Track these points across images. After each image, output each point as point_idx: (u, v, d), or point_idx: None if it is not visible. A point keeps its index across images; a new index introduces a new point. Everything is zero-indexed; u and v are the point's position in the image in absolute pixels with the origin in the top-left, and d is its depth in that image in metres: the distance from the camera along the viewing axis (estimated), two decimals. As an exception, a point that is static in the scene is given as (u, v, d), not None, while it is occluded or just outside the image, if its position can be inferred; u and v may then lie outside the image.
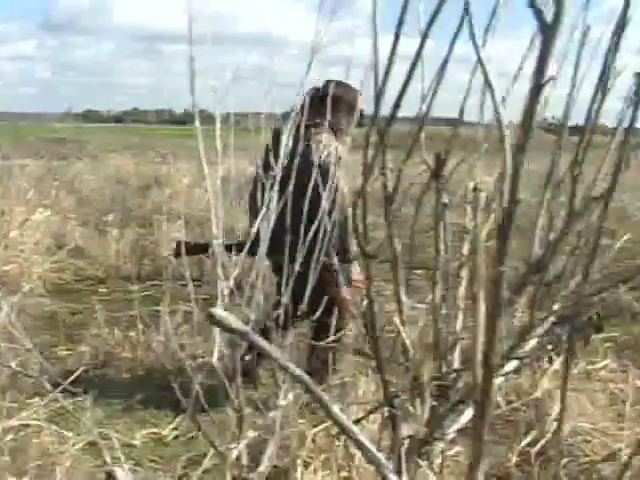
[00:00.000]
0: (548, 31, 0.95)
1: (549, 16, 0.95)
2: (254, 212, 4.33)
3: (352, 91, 4.36)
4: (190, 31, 2.27)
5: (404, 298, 1.96)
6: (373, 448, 1.42)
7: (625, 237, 4.25)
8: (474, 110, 2.17)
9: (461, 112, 2.04)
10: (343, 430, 1.44)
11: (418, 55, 1.57)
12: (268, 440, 2.69)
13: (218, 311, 1.46)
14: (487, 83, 1.31)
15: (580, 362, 5.19)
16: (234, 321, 1.46)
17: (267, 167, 2.29)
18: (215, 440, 3.35)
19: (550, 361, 2.18)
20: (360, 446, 1.42)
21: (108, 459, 2.29)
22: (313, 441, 3.47)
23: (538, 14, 0.96)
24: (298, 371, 1.43)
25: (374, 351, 1.89)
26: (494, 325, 1.16)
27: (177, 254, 5.15)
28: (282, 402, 2.60)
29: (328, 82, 4.43)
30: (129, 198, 14.65)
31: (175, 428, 4.61)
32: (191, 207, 10.43)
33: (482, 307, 1.39)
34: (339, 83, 4.18)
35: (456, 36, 1.23)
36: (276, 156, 2.28)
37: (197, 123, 2.93)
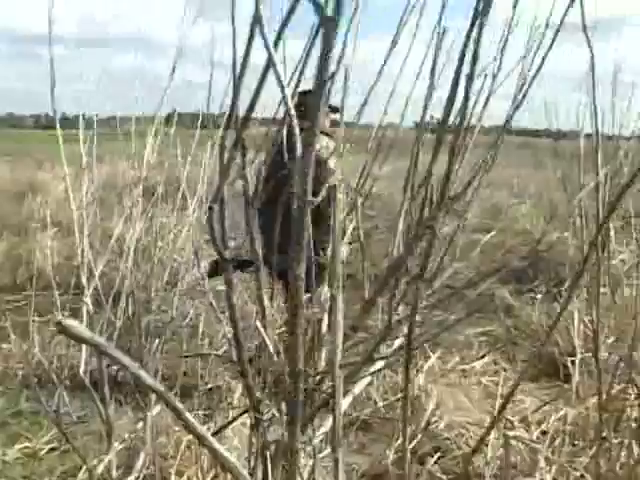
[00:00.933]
0: (328, 25, 0.93)
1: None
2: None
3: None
4: (50, 32, 2.19)
5: (267, 302, 1.94)
6: (228, 455, 1.39)
7: (490, 234, 4.41)
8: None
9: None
10: (199, 438, 1.41)
11: (270, 57, 1.55)
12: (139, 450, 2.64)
13: (67, 320, 1.40)
14: (280, 83, 1.29)
15: (455, 357, 5.30)
16: (84, 330, 1.40)
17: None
18: (89, 452, 3.25)
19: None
20: (215, 454, 1.39)
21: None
22: (188, 448, 3.41)
23: (318, 8, 0.94)
24: (151, 380, 1.38)
25: (237, 356, 1.86)
26: (296, 325, 1.14)
27: (213, 274, 4.95)
28: (151, 413, 2.55)
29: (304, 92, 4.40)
30: (3, 206, 14.14)
31: (49, 441, 4.45)
32: (67, 214, 10.12)
33: (340, 308, 1.38)
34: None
35: (279, 36, 1.20)
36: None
37: (58, 128, 2.84)
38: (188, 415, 1.37)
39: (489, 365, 5.47)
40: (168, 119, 5.46)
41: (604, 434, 2.74)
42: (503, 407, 2.05)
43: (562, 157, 7.67)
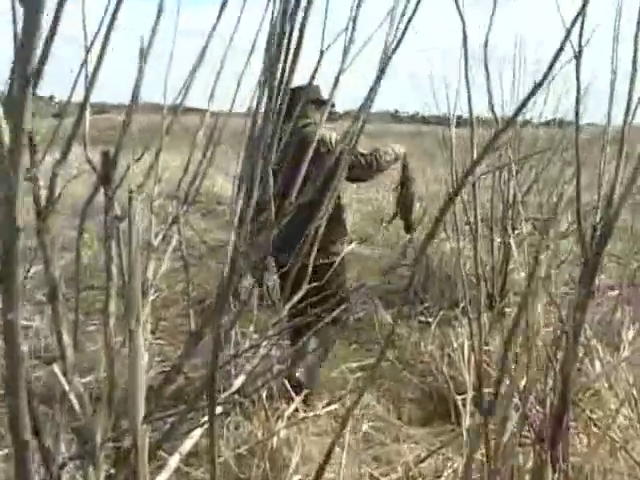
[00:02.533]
0: (29, 3, 0.91)
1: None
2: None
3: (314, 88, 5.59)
4: None
5: (67, 340, 1.87)
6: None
7: (350, 246, 4.44)
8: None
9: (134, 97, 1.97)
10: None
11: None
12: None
13: None
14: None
15: (323, 399, 5.27)
16: None
17: None
18: None
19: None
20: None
21: None
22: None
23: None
24: None
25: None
26: (16, 380, 1.09)
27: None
28: None
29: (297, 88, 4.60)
30: None
31: None
32: None
33: (140, 346, 1.35)
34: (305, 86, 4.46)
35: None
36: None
37: None
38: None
39: (369, 407, 5.46)
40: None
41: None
42: (329, 452, 2.04)
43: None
